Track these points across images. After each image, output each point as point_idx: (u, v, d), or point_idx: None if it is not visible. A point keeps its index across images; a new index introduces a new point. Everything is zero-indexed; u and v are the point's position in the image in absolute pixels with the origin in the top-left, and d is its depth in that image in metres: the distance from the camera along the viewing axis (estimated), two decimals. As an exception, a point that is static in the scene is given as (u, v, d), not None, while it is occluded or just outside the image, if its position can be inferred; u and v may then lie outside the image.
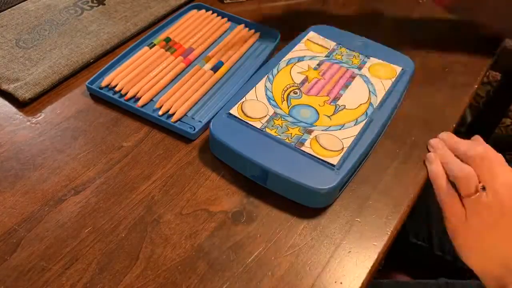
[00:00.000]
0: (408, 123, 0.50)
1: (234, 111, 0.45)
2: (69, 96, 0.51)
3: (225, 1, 0.65)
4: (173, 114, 0.48)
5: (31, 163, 0.44)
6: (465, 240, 0.43)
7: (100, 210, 0.41)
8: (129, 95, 0.49)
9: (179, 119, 0.48)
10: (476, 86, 0.55)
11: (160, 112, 0.48)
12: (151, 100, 0.50)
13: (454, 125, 0.51)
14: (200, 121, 0.48)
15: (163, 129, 0.48)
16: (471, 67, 0.58)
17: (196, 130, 0.47)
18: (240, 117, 0.45)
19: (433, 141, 0.48)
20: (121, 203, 0.41)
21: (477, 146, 0.44)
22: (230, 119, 0.45)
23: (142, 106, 0.49)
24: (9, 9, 0.59)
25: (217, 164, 0.45)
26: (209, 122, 0.47)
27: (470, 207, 0.42)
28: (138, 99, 0.49)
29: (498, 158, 0.43)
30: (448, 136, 0.48)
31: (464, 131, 1.19)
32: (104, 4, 0.62)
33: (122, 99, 0.49)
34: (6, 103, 0.50)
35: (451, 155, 0.45)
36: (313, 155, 0.42)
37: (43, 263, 0.37)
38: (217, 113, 0.46)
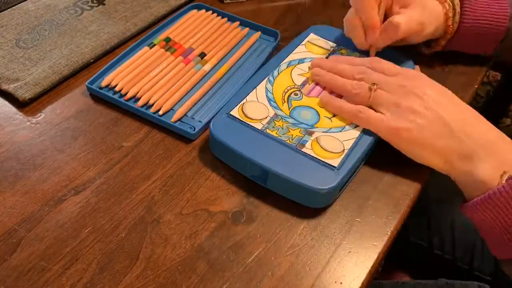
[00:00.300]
0: (408, 123, 0.50)
1: (234, 112, 0.45)
2: (69, 96, 0.51)
3: (225, 1, 0.65)
4: (168, 111, 0.48)
5: (31, 163, 0.44)
6: (401, 135, 0.42)
7: (100, 210, 0.41)
8: (129, 95, 0.49)
9: (179, 119, 0.48)
10: (476, 86, 0.55)
11: (161, 112, 0.48)
12: (150, 100, 0.50)
13: (454, 125, 0.50)
14: (200, 121, 0.48)
15: (163, 129, 0.48)
16: (471, 67, 0.58)
17: (196, 130, 0.47)
18: (241, 118, 0.45)
19: (315, 71, 0.49)
20: (121, 203, 0.42)
21: (360, 68, 0.47)
22: (230, 120, 0.45)
23: (142, 106, 0.49)
24: (9, 9, 0.59)
25: (217, 164, 0.45)
26: (209, 122, 0.47)
27: (378, 105, 0.44)
28: (138, 99, 0.49)
29: (383, 66, 0.47)
30: (322, 61, 0.50)
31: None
32: (104, 4, 0.62)
33: (122, 99, 0.49)
34: (6, 103, 0.50)
35: (337, 78, 0.48)
36: (313, 157, 0.42)
37: (43, 263, 0.37)
38: (217, 113, 0.46)
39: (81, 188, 0.42)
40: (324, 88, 0.49)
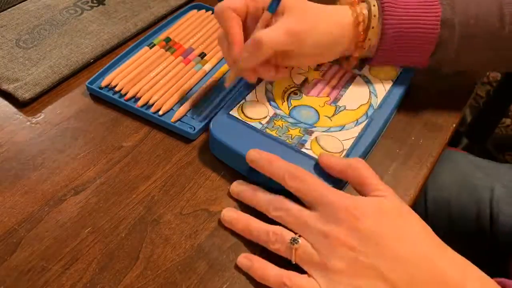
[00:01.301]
0: (408, 123, 0.50)
1: (234, 112, 0.45)
2: (69, 96, 0.51)
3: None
4: (168, 111, 0.48)
5: (31, 163, 0.44)
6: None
7: (100, 210, 0.41)
8: (129, 95, 0.49)
9: (179, 119, 0.48)
10: (476, 86, 0.55)
11: (161, 112, 0.48)
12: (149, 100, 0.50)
13: (454, 125, 0.50)
14: (200, 121, 0.48)
15: (163, 129, 0.48)
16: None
17: (196, 130, 0.47)
18: (240, 118, 0.45)
19: (227, 213, 0.40)
20: (121, 203, 0.42)
21: (276, 201, 0.38)
22: (230, 120, 0.45)
23: (142, 106, 0.49)
24: (9, 9, 0.59)
25: (217, 164, 0.45)
26: (209, 122, 0.47)
27: (306, 267, 0.35)
28: (138, 99, 0.49)
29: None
30: (240, 188, 0.41)
31: (464, 131, 1.19)
32: (104, 4, 0.62)
33: (122, 99, 0.49)
34: (6, 103, 0.50)
35: (253, 221, 0.38)
36: (313, 157, 0.42)
37: (43, 263, 0.37)
38: (216, 113, 0.46)
39: (81, 188, 0.42)
40: (323, 88, 0.49)
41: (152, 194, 0.42)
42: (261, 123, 0.44)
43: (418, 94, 0.54)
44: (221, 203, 0.42)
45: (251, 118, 0.45)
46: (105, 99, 0.50)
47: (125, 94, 0.49)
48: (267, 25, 0.42)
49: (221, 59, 0.55)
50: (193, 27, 0.59)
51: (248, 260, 0.37)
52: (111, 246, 0.38)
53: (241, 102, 0.46)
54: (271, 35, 0.40)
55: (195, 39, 0.57)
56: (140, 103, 0.48)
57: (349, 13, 0.44)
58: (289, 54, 0.43)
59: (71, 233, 0.39)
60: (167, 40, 0.56)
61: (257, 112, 0.46)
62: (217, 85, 0.52)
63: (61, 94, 0.51)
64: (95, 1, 0.62)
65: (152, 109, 0.48)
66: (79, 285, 0.36)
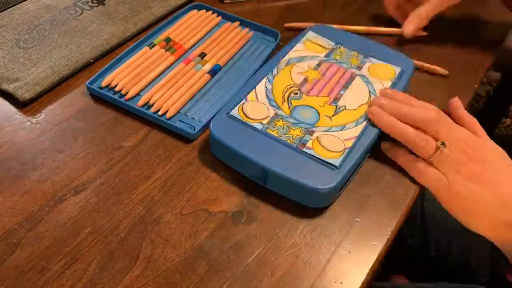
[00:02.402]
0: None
1: (234, 112, 0.45)
2: (69, 96, 0.51)
3: (225, 1, 0.65)
4: (175, 115, 0.48)
5: (31, 163, 0.44)
6: (458, 201, 0.42)
7: (100, 210, 0.41)
8: (129, 95, 0.49)
9: (180, 120, 0.48)
10: (476, 86, 0.55)
11: (160, 112, 0.48)
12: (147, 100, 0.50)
13: (454, 125, 0.50)
14: (200, 121, 0.48)
15: (163, 129, 0.48)
16: (471, 67, 0.58)
17: (196, 130, 0.47)
18: (241, 118, 0.45)
19: (375, 110, 0.45)
20: (121, 203, 0.42)
21: (430, 111, 0.44)
22: (230, 120, 0.45)
23: (142, 106, 0.49)
24: (9, 9, 0.59)
25: (217, 164, 0.45)
26: (209, 122, 0.47)
27: (440, 165, 0.42)
28: (138, 99, 0.49)
29: (450, 119, 0.44)
30: (386, 100, 0.46)
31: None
32: (104, 4, 0.62)
33: (122, 99, 0.49)
34: (6, 103, 0.50)
35: (399, 125, 0.44)
36: (314, 156, 0.42)
37: (43, 263, 0.37)
38: (216, 113, 0.46)
39: (81, 188, 0.42)
40: (323, 88, 0.49)
41: (152, 194, 0.42)
42: (262, 124, 0.44)
43: (418, 94, 0.53)
44: (221, 203, 0.42)
45: (251, 119, 0.45)
46: (105, 99, 0.50)
47: (125, 94, 0.49)
48: None
49: (221, 59, 0.55)
50: (193, 27, 0.59)
51: (392, 145, 0.45)
52: (111, 246, 0.38)
53: (241, 102, 0.46)
54: None
55: (195, 39, 0.57)
56: (140, 103, 0.48)
57: None
58: None
59: (71, 233, 0.39)
60: (167, 40, 0.56)
61: (257, 112, 0.46)
62: (218, 85, 0.52)
63: (61, 94, 0.51)
64: (95, 1, 0.62)
65: (152, 109, 0.48)
66: (79, 285, 0.36)
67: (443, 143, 0.42)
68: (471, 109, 1.31)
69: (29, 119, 0.48)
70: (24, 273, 0.37)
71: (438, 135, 0.42)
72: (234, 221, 0.41)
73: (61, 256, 0.38)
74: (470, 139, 0.43)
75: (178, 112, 0.49)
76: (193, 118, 0.48)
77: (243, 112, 0.45)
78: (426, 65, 0.56)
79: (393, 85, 0.50)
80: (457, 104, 0.47)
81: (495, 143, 0.45)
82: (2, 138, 0.46)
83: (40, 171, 0.44)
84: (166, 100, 0.49)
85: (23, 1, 0.61)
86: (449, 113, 0.46)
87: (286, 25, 0.61)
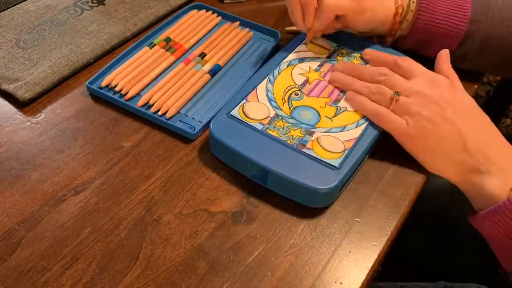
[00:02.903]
0: (408, 123, 0.50)
1: (235, 112, 0.45)
2: (69, 96, 0.51)
3: (225, 1, 0.65)
4: (175, 115, 0.48)
5: (31, 163, 0.44)
6: (418, 142, 0.43)
7: (100, 210, 0.41)
8: (129, 95, 0.49)
9: (180, 120, 0.48)
10: (476, 86, 0.55)
11: (160, 112, 0.48)
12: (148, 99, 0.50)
13: (454, 125, 0.50)
14: (200, 121, 0.48)
15: (163, 129, 0.48)
16: (471, 67, 0.57)
17: (196, 130, 0.47)
18: (241, 118, 0.45)
19: (335, 75, 0.49)
20: (121, 203, 0.41)
21: (380, 68, 0.48)
22: (230, 120, 0.45)
23: (142, 106, 0.49)
24: (9, 9, 0.59)
25: (217, 164, 0.45)
26: (209, 122, 0.47)
27: (400, 112, 0.44)
28: (138, 99, 0.49)
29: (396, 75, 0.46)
30: (343, 65, 0.50)
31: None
32: (104, 4, 0.62)
33: (122, 99, 0.49)
34: (6, 103, 0.50)
35: (356, 81, 0.48)
36: (314, 156, 0.42)
37: (43, 263, 0.37)
38: (216, 113, 0.46)
39: (81, 188, 0.42)
40: (324, 89, 0.49)
41: (152, 194, 0.42)
42: (262, 124, 0.44)
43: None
44: (221, 203, 0.42)
45: (252, 119, 0.45)
46: (105, 99, 0.50)
47: (125, 94, 0.49)
48: None
49: (221, 59, 0.55)
50: (193, 27, 0.59)
51: (354, 94, 0.47)
52: (111, 246, 0.38)
53: (241, 102, 0.46)
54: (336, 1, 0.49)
55: (195, 39, 0.57)
56: (140, 103, 0.48)
57: (392, 1, 0.51)
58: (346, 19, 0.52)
59: (71, 233, 0.39)
60: (167, 40, 0.56)
61: (258, 112, 0.46)
62: (217, 85, 0.52)
63: (61, 94, 0.51)
64: (95, 1, 0.62)
65: (152, 109, 0.48)
66: (79, 285, 0.36)
67: (396, 93, 0.44)
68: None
69: (29, 119, 0.48)
70: (24, 273, 0.37)
71: (392, 85, 0.45)
72: (234, 221, 0.41)
73: (61, 256, 0.38)
74: (427, 77, 0.45)
75: (178, 112, 0.49)
76: (193, 118, 0.48)
77: (243, 112, 0.45)
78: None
79: None
80: (445, 57, 0.47)
81: (468, 95, 0.45)
82: (2, 138, 0.46)
83: (40, 171, 0.44)
84: (166, 100, 0.49)
85: (23, 1, 0.61)
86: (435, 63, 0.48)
87: (287, 29, 0.61)
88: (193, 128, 0.47)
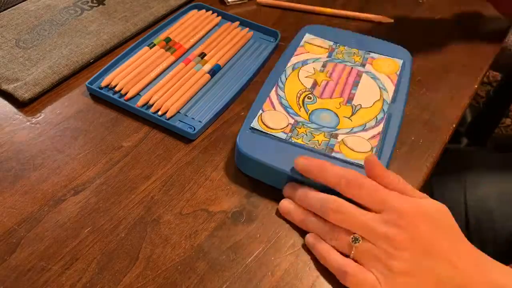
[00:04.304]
0: (408, 123, 0.50)
1: (255, 123, 0.44)
2: (69, 96, 0.51)
3: (227, 3, 0.65)
4: (174, 115, 0.48)
5: (31, 163, 0.44)
6: None
7: (100, 210, 0.41)
8: (129, 95, 0.49)
9: (179, 120, 0.48)
10: (476, 86, 0.55)
11: (160, 112, 0.48)
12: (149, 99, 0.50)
13: (454, 125, 0.50)
14: (200, 121, 0.48)
15: (163, 129, 0.48)
16: (471, 67, 0.58)
17: (196, 130, 0.47)
18: (263, 129, 0.44)
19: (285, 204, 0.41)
20: (121, 203, 0.41)
21: (330, 201, 0.38)
22: (254, 133, 0.44)
23: (142, 106, 0.49)
24: (9, 9, 0.59)
25: (217, 164, 0.45)
26: (209, 122, 0.47)
27: (364, 264, 0.36)
28: (138, 99, 0.49)
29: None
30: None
31: (464, 131, 1.19)
32: (104, 4, 0.62)
33: (122, 99, 0.49)
34: (6, 103, 0.50)
35: (310, 218, 0.39)
36: (346, 160, 0.42)
37: (43, 263, 0.37)
38: (239, 129, 0.44)
39: (81, 188, 0.42)
40: (334, 89, 0.49)
41: (151, 194, 0.42)
42: (284, 133, 0.44)
43: (418, 94, 0.54)
44: (220, 203, 0.42)
45: (273, 129, 0.44)
46: (105, 99, 0.50)
47: (125, 94, 0.49)
48: None
49: (221, 59, 0.55)
50: (193, 27, 0.59)
51: (315, 240, 0.38)
52: (110, 246, 0.38)
53: (259, 113, 0.45)
54: None
55: (195, 39, 0.57)
56: (140, 103, 0.48)
57: None
58: None
59: (71, 233, 0.39)
60: (167, 40, 0.56)
61: (277, 121, 0.45)
62: (218, 85, 0.52)
63: (61, 94, 0.51)
64: (95, 1, 0.62)
65: (152, 109, 0.48)
66: (79, 285, 0.36)
67: (355, 239, 0.36)
68: (471, 109, 1.31)
69: (29, 119, 0.48)
70: (24, 273, 0.37)
71: (351, 228, 0.37)
72: (234, 221, 0.41)
73: (61, 256, 0.38)
74: (392, 209, 0.36)
75: (178, 112, 0.49)
76: (193, 118, 0.48)
77: (263, 123, 0.44)
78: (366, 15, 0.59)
79: (400, 77, 0.50)
80: (373, 162, 0.39)
81: (429, 199, 0.38)
82: (2, 138, 0.46)
83: (40, 171, 0.44)
84: (166, 100, 0.49)
85: (23, 1, 0.61)
86: (370, 174, 0.38)
87: (259, 0, 0.63)
88: (193, 128, 0.47)
